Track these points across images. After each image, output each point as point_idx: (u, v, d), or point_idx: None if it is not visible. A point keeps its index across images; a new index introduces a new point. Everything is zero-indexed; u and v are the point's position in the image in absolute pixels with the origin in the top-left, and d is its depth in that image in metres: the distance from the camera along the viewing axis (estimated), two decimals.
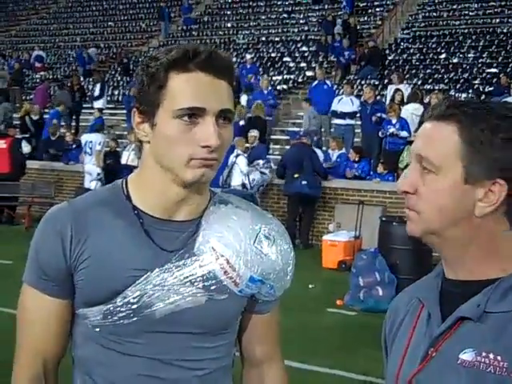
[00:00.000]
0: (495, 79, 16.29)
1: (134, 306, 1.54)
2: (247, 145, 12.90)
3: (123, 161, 13.41)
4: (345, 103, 14.18)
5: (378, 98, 14.85)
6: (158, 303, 1.55)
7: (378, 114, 13.14)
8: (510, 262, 1.30)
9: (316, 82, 15.70)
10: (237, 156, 11.84)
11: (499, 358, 1.22)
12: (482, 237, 1.30)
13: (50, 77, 23.27)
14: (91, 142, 13.99)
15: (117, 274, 1.54)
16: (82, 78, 21.75)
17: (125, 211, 1.59)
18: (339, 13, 20.96)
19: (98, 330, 1.58)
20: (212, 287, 1.57)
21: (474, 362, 1.24)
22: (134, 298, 1.54)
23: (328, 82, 15.80)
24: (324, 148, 13.66)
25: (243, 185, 11.81)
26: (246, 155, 12.18)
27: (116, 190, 1.64)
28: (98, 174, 13.67)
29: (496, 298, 1.27)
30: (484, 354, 1.23)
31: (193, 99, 1.49)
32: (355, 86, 17.91)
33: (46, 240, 1.59)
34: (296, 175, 11.41)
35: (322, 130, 15.07)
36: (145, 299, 1.54)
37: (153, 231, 1.58)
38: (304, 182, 11.37)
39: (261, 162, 12.47)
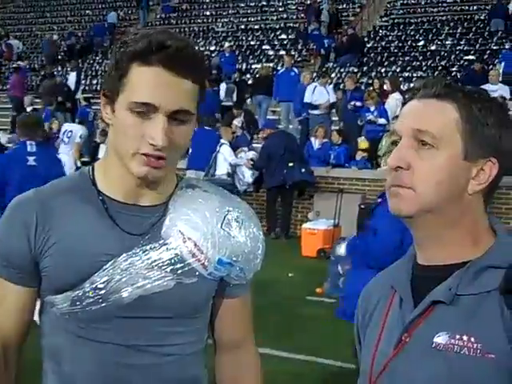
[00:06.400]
0: (472, 66, 16.37)
1: (102, 292, 1.53)
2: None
3: (100, 154, 12.88)
4: (320, 93, 14.06)
5: (357, 84, 14.88)
6: (125, 288, 1.54)
7: (352, 103, 13.25)
8: (481, 245, 1.31)
9: (283, 70, 15.66)
10: (221, 145, 11.71)
11: (473, 339, 1.23)
12: (467, 217, 1.31)
13: (28, 66, 23.03)
14: (71, 131, 13.67)
15: (83, 259, 1.54)
16: (60, 68, 21.58)
17: (90, 197, 1.59)
18: (318, 0, 20.92)
19: (66, 317, 1.57)
20: (180, 271, 1.56)
21: (448, 344, 1.25)
22: (101, 284, 1.53)
23: (295, 69, 15.74)
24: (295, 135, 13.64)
25: (228, 174, 11.67)
26: (229, 144, 11.95)
27: (83, 176, 1.64)
28: (77, 168, 13.35)
29: (467, 280, 1.28)
30: (458, 336, 1.24)
31: (147, 95, 1.46)
32: (334, 74, 17.96)
33: (10, 229, 1.59)
34: (291, 164, 11.12)
35: (290, 117, 15.09)
36: (112, 284, 1.53)
37: (118, 216, 1.57)
38: (303, 170, 11.20)
39: (249, 154, 12.08)
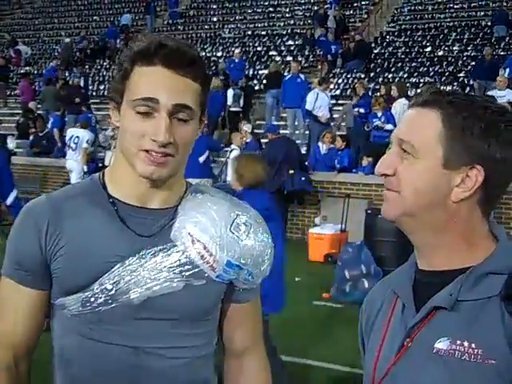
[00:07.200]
0: (481, 54, 16.36)
1: (112, 293, 1.56)
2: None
3: (106, 161, 12.85)
4: (322, 99, 13.99)
5: (364, 91, 14.86)
6: (135, 289, 1.56)
7: (356, 109, 13.28)
8: (481, 251, 1.32)
9: (289, 76, 15.63)
10: (231, 151, 11.66)
11: (473, 345, 1.24)
12: (456, 223, 1.32)
13: (35, 72, 23.11)
14: (78, 137, 13.69)
15: (93, 260, 1.56)
16: (67, 73, 21.63)
17: (101, 200, 1.62)
18: (325, 6, 20.94)
19: (77, 319, 1.58)
20: (189, 272, 1.58)
21: (449, 350, 1.26)
22: (110, 285, 1.56)
23: (302, 75, 15.74)
24: (299, 141, 13.58)
25: None
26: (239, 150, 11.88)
27: (94, 181, 1.68)
28: (85, 173, 13.21)
29: (467, 286, 1.29)
30: (458, 342, 1.25)
31: (148, 90, 1.51)
32: (341, 80, 17.96)
33: (22, 234, 1.62)
34: (291, 171, 10.96)
35: (296, 123, 15.08)
36: (121, 285, 1.56)
37: (128, 218, 1.60)
38: (303, 178, 11.06)
39: None
